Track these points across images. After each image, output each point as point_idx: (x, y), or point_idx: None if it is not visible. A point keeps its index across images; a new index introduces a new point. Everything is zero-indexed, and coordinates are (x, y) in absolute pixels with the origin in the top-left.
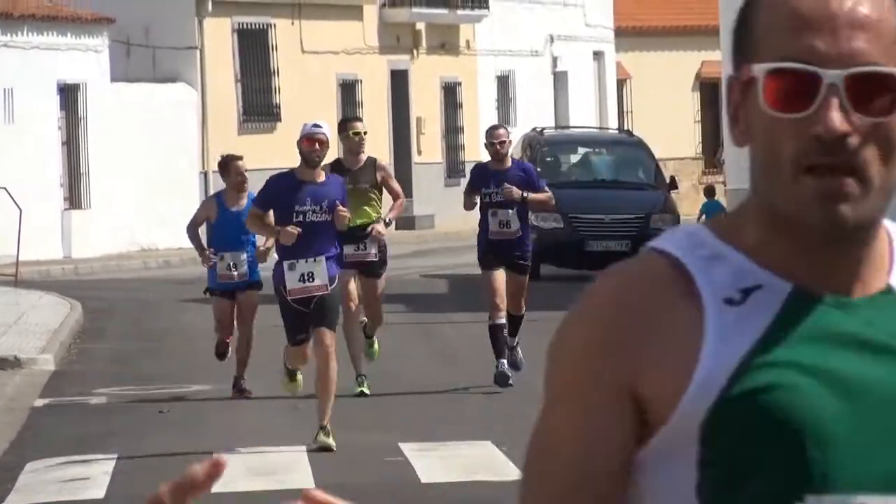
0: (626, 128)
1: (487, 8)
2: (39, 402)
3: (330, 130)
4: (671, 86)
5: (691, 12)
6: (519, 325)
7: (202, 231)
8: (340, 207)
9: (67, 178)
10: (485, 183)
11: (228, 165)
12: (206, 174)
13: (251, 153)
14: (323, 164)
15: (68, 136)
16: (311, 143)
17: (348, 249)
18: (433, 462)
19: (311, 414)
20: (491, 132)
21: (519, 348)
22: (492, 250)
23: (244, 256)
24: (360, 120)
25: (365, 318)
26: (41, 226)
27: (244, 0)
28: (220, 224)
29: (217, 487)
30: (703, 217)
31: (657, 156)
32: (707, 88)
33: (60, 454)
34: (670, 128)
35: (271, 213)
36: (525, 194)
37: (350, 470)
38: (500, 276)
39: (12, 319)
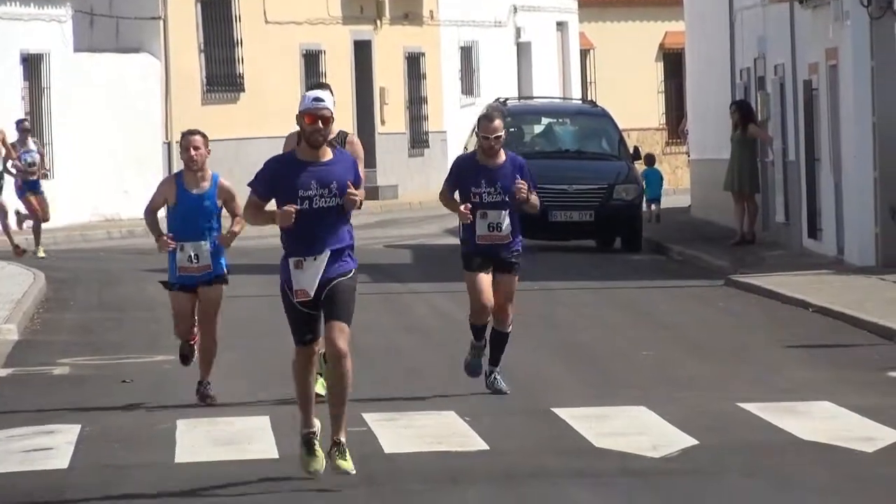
0: (589, 98)
1: None
2: (2, 373)
3: (333, 102)
4: (634, 56)
5: None
6: (503, 347)
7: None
8: (351, 189)
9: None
10: (472, 180)
11: (182, 140)
12: (169, 145)
13: (215, 124)
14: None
15: (31, 107)
16: (312, 119)
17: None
18: (397, 432)
19: (276, 383)
20: (485, 124)
21: (500, 378)
22: (479, 254)
23: (206, 246)
24: (327, 87)
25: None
26: (4, 195)
27: None
28: (179, 209)
29: (180, 457)
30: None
31: (621, 126)
32: (670, 59)
33: (24, 424)
34: (634, 98)
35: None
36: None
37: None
38: (486, 278)
39: None
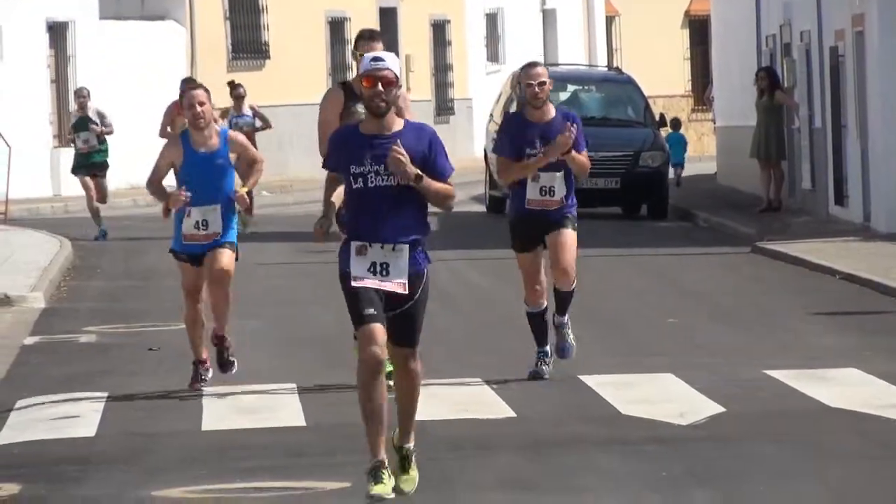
0: (615, 65)
1: None
2: (30, 340)
3: (398, 63)
4: (660, 23)
5: None
6: (568, 301)
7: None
8: (398, 143)
9: (56, 117)
10: (525, 140)
11: (182, 97)
12: None
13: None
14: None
15: (57, 75)
16: (371, 82)
17: None
18: (425, 400)
19: (303, 352)
20: (527, 71)
21: (569, 328)
22: (527, 222)
23: (218, 210)
24: (379, 38)
25: None
26: (30, 164)
27: None
28: (188, 171)
29: (207, 425)
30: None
31: (646, 93)
32: (696, 25)
33: (51, 392)
34: (659, 65)
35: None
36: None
37: (342, 409)
38: (537, 258)
39: (2, 258)
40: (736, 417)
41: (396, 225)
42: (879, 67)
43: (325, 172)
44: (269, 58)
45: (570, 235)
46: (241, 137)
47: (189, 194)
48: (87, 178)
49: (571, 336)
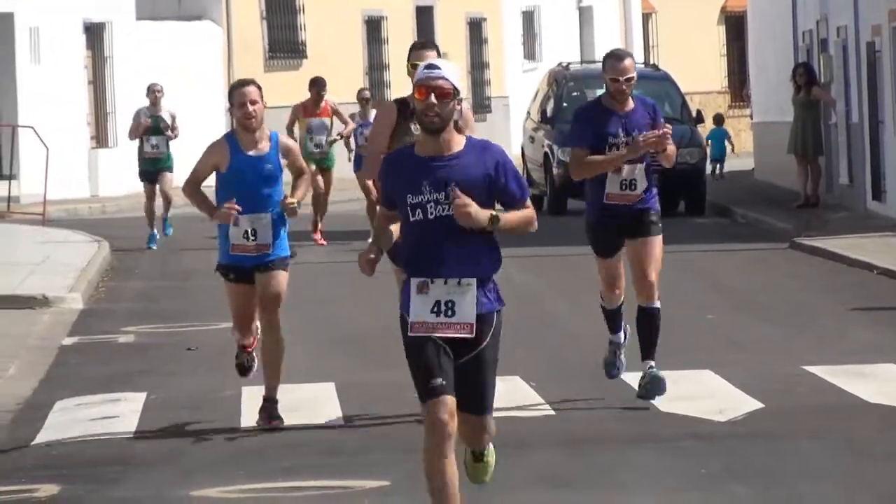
0: (651, 62)
1: None
2: (68, 341)
3: (457, 73)
4: (696, 19)
5: None
6: (654, 330)
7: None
8: (456, 192)
9: (94, 117)
10: (610, 130)
11: (233, 93)
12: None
13: (278, 91)
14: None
15: (94, 76)
16: (424, 92)
17: None
18: None
19: (339, 350)
20: (612, 64)
21: (658, 375)
22: (607, 223)
23: (267, 219)
24: (432, 47)
25: None
26: (68, 165)
27: None
28: (233, 175)
29: (245, 422)
30: (710, 143)
31: (683, 90)
32: (732, 22)
33: (90, 392)
34: (696, 61)
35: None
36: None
37: (376, 404)
38: (619, 262)
39: (40, 258)
40: (774, 414)
41: (462, 257)
42: None
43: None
44: (305, 57)
45: (656, 245)
46: (293, 144)
47: (239, 208)
48: (151, 185)
49: (661, 385)
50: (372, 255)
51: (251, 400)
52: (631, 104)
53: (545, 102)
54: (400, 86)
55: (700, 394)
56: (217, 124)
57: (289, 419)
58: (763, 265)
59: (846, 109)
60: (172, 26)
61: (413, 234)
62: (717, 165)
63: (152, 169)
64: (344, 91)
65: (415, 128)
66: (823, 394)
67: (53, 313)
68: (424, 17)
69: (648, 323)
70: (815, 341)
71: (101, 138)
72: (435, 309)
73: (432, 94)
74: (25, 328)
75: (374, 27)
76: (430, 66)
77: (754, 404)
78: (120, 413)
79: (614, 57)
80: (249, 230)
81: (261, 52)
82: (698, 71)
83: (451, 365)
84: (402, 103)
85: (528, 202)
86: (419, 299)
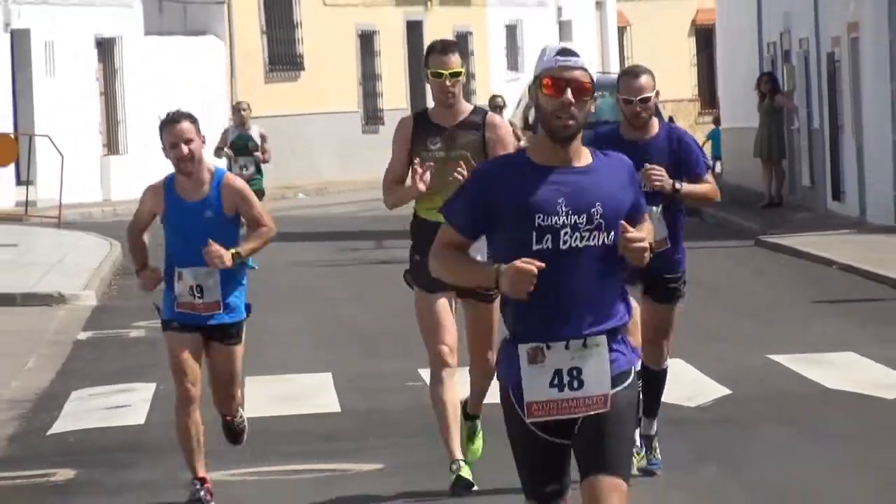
0: None
1: None
2: (82, 336)
3: (591, 67)
4: (668, 32)
5: None
6: (659, 392)
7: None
8: (625, 227)
9: (105, 126)
10: None
11: (162, 132)
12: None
13: (277, 101)
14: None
15: (105, 87)
16: (555, 88)
17: None
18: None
19: (337, 343)
20: (626, 81)
21: (657, 444)
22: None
23: (214, 275)
24: (454, 50)
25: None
26: (81, 171)
27: None
28: (172, 224)
29: (248, 413)
30: (710, 142)
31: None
32: (702, 34)
33: (103, 383)
34: (668, 72)
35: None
36: (678, 184)
37: (374, 395)
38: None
39: (56, 259)
40: (741, 400)
41: (591, 308)
42: (873, 71)
43: (345, 173)
44: (303, 69)
45: (669, 315)
46: (241, 184)
47: (158, 279)
48: None
49: (658, 454)
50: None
51: (252, 389)
52: (653, 132)
53: (527, 110)
54: (391, 96)
55: (671, 381)
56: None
57: (289, 408)
58: (731, 261)
59: (807, 116)
60: (178, 41)
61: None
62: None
63: None
64: (339, 101)
65: (432, 142)
66: (787, 381)
67: (69, 310)
68: (414, 31)
69: (649, 382)
70: (780, 332)
71: (112, 146)
72: (556, 382)
73: (568, 90)
74: (43, 324)
75: (366, 41)
76: (566, 52)
77: (722, 391)
78: (131, 402)
79: (629, 74)
80: (194, 286)
81: (261, 64)
82: (670, 80)
83: (568, 460)
84: (420, 116)
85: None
86: (533, 372)
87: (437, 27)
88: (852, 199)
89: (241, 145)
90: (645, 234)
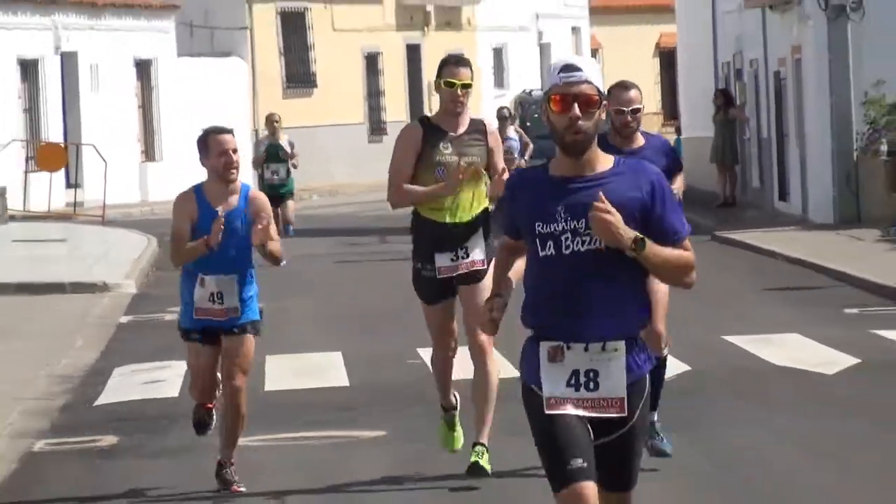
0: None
1: None
2: (124, 319)
3: (599, 72)
4: (635, 54)
5: None
6: (661, 382)
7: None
8: (601, 196)
9: (143, 137)
10: None
11: (208, 141)
12: (256, 132)
13: (294, 114)
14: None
15: (143, 102)
16: (563, 104)
17: (442, 260)
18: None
19: (346, 325)
20: (619, 95)
21: (659, 428)
22: None
23: (234, 283)
24: (467, 64)
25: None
26: (122, 176)
27: None
28: (202, 230)
29: (268, 386)
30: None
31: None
32: (665, 56)
33: (142, 361)
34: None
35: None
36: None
37: (378, 370)
38: None
39: (101, 252)
40: (699, 375)
41: (606, 307)
42: (814, 88)
43: (351, 176)
44: (316, 86)
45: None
46: (264, 198)
47: (224, 218)
48: (274, 209)
49: (663, 438)
50: (493, 313)
51: (273, 366)
52: (639, 141)
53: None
54: (393, 109)
55: None
56: (243, 142)
57: (299, 383)
58: None
59: (757, 126)
60: (206, 62)
61: (541, 275)
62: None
63: (274, 194)
64: (348, 114)
65: (444, 146)
66: (740, 359)
67: (112, 297)
68: (413, 53)
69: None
70: (733, 315)
71: (149, 153)
72: (573, 381)
73: (575, 105)
74: (89, 309)
75: (371, 61)
76: (569, 68)
77: (682, 367)
78: (166, 378)
79: (620, 87)
80: (215, 293)
81: (279, 82)
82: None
83: (590, 437)
84: (426, 122)
85: (689, 244)
86: (551, 369)
87: (433, 50)
88: (796, 200)
89: (272, 153)
90: (618, 219)
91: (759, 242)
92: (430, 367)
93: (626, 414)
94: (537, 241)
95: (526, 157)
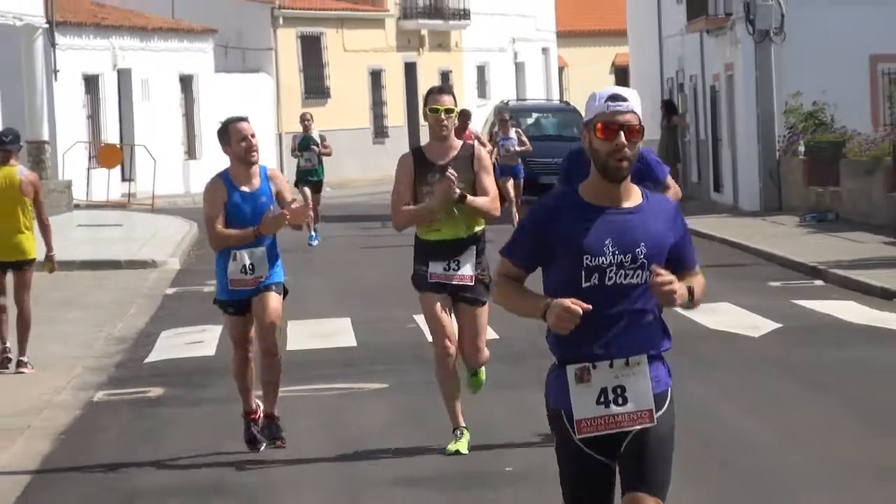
0: (565, 100)
1: (469, 20)
2: (170, 291)
3: (639, 102)
4: (595, 71)
5: (607, 19)
6: None
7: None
8: (655, 271)
9: (186, 139)
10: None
11: (229, 130)
12: (280, 135)
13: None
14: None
15: (186, 110)
16: (609, 132)
17: (435, 268)
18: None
19: (355, 297)
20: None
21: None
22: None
23: (263, 252)
24: (449, 91)
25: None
26: (169, 171)
27: (305, 17)
28: (230, 212)
29: (289, 346)
30: None
31: (585, 119)
32: (620, 72)
33: (185, 325)
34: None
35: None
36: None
37: (381, 334)
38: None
39: (150, 235)
40: None
41: (635, 335)
42: (743, 99)
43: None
44: (330, 97)
45: None
46: (281, 175)
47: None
48: (307, 189)
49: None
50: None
51: (294, 329)
52: None
53: (492, 128)
54: (393, 117)
55: None
56: (269, 144)
57: (315, 344)
58: None
59: (696, 131)
60: (238, 77)
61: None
62: None
63: (305, 178)
64: (356, 120)
65: (430, 176)
66: (680, 323)
67: (159, 272)
68: (410, 70)
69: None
70: None
71: (191, 153)
72: (602, 399)
73: (621, 133)
74: (140, 282)
75: (376, 77)
76: (616, 98)
77: None
78: (205, 339)
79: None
80: (247, 265)
81: (299, 94)
82: None
83: (614, 479)
84: (417, 152)
85: (698, 270)
86: (580, 391)
87: (427, 67)
88: (728, 192)
89: (304, 144)
90: (680, 286)
91: (698, 227)
92: (436, 377)
93: (655, 424)
94: (583, 272)
95: (517, 148)
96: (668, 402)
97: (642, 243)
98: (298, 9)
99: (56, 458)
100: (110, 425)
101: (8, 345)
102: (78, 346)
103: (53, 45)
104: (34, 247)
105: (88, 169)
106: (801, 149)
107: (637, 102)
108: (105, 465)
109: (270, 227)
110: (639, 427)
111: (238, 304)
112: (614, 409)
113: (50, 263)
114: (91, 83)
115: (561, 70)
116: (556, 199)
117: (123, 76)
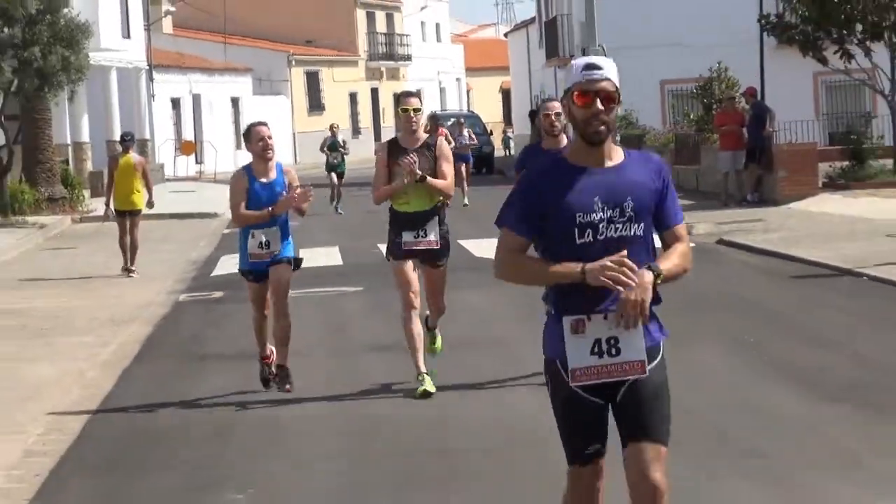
0: (471, 109)
1: (411, 61)
2: (226, 231)
3: (616, 71)
4: (489, 92)
5: (497, 59)
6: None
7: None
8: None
9: (235, 137)
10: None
11: (250, 132)
12: (294, 135)
13: (311, 125)
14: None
15: (234, 119)
16: (586, 98)
17: (407, 237)
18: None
19: (340, 233)
20: (546, 105)
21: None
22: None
23: (276, 231)
24: (416, 95)
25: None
26: (225, 157)
27: (308, 60)
28: (250, 199)
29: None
30: (511, 141)
31: (485, 121)
32: (506, 94)
33: (235, 253)
34: (490, 110)
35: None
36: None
37: (359, 255)
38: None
39: (213, 196)
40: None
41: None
42: None
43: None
44: (324, 110)
45: None
46: (292, 170)
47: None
48: (333, 175)
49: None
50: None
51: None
52: (564, 142)
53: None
54: (364, 122)
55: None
56: (286, 148)
57: (315, 263)
58: None
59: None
60: (267, 98)
61: (575, 258)
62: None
63: (333, 170)
64: (341, 124)
65: (402, 159)
66: None
67: (219, 220)
68: (375, 93)
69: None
70: None
71: (238, 145)
72: (596, 350)
73: (598, 100)
74: (206, 226)
75: (353, 97)
76: (591, 66)
77: None
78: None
79: (545, 99)
80: (263, 241)
81: (305, 110)
82: (490, 114)
83: (607, 421)
84: (392, 142)
85: (684, 229)
86: (575, 341)
87: (385, 91)
88: None
89: (333, 146)
90: (645, 287)
91: None
92: (404, 332)
93: (647, 375)
94: (576, 229)
95: (468, 142)
96: (660, 355)
97: (629, 196)
98: (304, 55)
99: (154, 338)
100: (190, 317)
101: (130, 265)
102: (168, 267)
103: (151, 79)
104: (141, 201)
105: (174, 156)
106: (618, 139)
107: (613, 70)
108: (182, 352)
109: (281, 208)
110: (632, 377)
111: (256, 274)
112: (607, 359)
113: (151, 204)
114: (175, 103)
115: (468, 91)
116: (545, 165)
117: (196, 98)
